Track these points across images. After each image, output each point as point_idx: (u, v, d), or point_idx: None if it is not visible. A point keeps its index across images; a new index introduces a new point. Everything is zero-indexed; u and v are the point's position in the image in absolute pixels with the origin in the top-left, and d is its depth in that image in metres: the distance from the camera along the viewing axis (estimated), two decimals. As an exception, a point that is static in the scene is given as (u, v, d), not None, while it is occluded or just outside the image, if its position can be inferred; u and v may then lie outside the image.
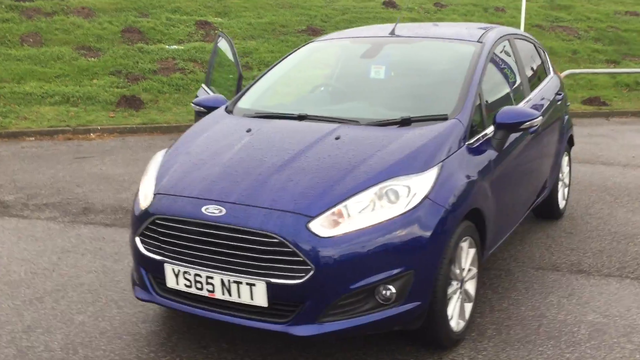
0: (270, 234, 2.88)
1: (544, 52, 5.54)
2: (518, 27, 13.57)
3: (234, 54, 4.69)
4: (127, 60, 12.55)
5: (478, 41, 4.17)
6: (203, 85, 5.20)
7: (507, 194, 4.01)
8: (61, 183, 6.87)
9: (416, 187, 3.06)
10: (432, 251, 3.04)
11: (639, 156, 8.30)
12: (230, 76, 4.80)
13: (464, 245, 3.37)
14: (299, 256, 2.85)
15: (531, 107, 4.47)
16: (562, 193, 5.60)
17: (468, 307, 3.50)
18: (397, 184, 3.05)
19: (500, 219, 3.93)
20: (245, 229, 2.92)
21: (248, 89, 4.33)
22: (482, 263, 3.79)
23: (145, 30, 13.87)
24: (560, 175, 5.51)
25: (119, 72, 12.15)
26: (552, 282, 4.27)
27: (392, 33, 4.46)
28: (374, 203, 3.00)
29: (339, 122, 3.59)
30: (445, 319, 3.20)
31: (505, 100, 4.24)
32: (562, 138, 5.31)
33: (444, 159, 3.27)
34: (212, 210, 3.00)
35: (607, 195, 6.41)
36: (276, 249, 2.88)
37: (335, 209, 2.95)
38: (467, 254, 3.44)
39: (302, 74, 4.59)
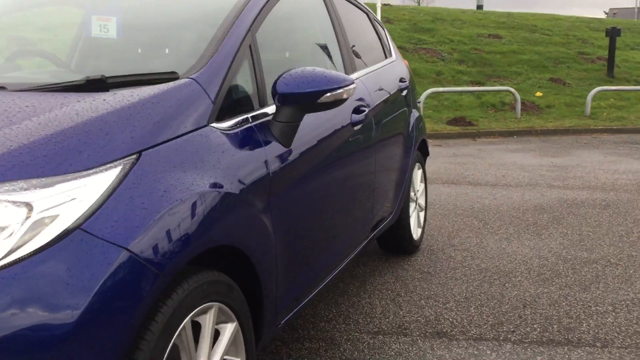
0: None
1: (383, 29, 4.11)
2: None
3: None
4: None
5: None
6: None
7: (312, 221, 2.42)
8: None
9: (51, 205, 1.36)
10: (80, 349, 1.33)
11: (509, 175, 7.15)
12: None
13: (206, 321, 1.71)
14: None
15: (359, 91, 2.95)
16: (415, 219, 4.13)
17: None
18: (0, 198, 1.33)
19: (301, 265, 2.32)
20: None
21: None
22: (264, 344, 2.14)
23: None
24: (412, 194, 4.05)
25: None
26: (395, 357, 2.70)
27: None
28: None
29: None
30: None
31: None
32: (410, 143, 3.84)
33: (147, 148, 1.60)
34: None
35: (474, 220, 5.05)
36: None
37: None
38: (220, 337, 1.79)
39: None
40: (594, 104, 12.91)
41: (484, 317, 3.12)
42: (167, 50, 2.32)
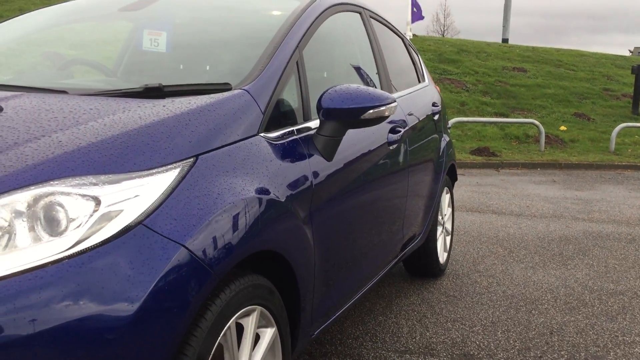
0: None
1: (416, 54, 4.19)
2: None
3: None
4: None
5: (308, -4, 2.68)
6: None
7: (348, 235, 2.47)
8: None
9: (117, 200, 1.43)
10: (138, 338, 1.39)
11: (533, 206, 7.15)
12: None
13: (249, 323, 1.76)
14: None
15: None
16: (442, 242, 4.16)
17: None
18: (72, 191, 1.41)
19: (336, 277, 2.37)
20: None
21: None
22: (297, 354, 2.19)
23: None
24: (440, 217, 4.09)
25: None
26: (423, 376, 2.72)
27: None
28: (14, 229, 1.34)
29: (27, 91, 1.94)
30: None
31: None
32: (440, 167, 3.89)
33: (203, 153, 1.68)
34: None
35: (499, 247, 5.06)
36: None
37: None
38: (260, 341, 1.84)
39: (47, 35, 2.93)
40: (619, 140, 12.87)
41: (511, 341, 3.13)
42: (220, 63, 2.41)
